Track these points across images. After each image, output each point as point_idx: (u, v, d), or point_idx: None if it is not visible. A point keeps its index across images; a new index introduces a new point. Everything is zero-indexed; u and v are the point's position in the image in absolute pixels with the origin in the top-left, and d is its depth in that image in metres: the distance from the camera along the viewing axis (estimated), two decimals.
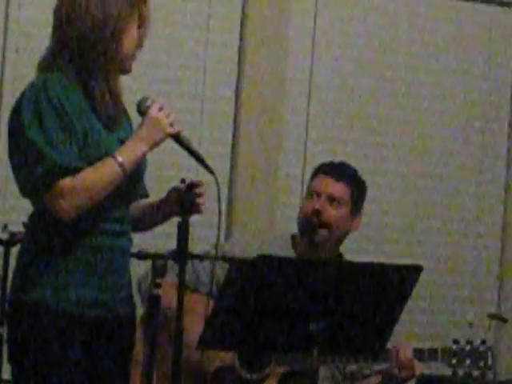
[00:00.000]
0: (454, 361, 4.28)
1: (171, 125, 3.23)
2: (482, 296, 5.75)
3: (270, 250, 4.08)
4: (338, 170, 4.51)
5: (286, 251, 4.38)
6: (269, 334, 3.64)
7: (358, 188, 4.48)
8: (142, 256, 3.58)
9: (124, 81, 3.41)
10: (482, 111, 5.70)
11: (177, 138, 3.31)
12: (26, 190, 3.25)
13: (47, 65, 3.24)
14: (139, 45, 3.30)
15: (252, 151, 5.23)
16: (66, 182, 3.19)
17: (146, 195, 3.52)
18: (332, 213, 4.40)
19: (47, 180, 3.19)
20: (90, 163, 3.19)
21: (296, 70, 5.53)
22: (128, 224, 3.47)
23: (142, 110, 3.29)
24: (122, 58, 3.27)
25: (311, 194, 4.43)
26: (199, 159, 3.31)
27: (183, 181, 3.33)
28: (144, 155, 3.28)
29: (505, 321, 4.80)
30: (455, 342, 4.27)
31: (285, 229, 4.74)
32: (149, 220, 3.61)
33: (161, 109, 3.29)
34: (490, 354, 4.23)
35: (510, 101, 5.60)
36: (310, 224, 4.37)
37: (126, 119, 3.41)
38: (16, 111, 3.23)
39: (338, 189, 4.43)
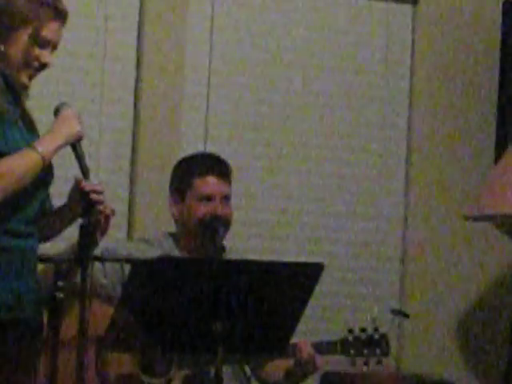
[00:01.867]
0: (352, 351, 4.29)
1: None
2: (384, 292, 5.69)
3: (159, 251, 4.21)
4: (222, 169, 4.49)
5: (170, 250, 4.35)
6: (171, 336, 3.65)
7: (230, 178, 4.50)
8: (44, 259, 3.60)
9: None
10: (380, 108, 5.67)
11: (78, 140, 3.42)
12: None
13: None
14: (36, 62, 3.41)
15: (152, 146, 5.17)
16: None
17: (51, 210, 3.59)
18: (228, 211, 4.40)
19: None
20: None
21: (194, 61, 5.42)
22: (35, 226, 3.46)
23: (58, 112, 3.45)
24: (8, 64, 3.38)
25: (201, 197, 4.39)
26: (85, 173, 3.42)
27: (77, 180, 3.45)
28: (58, 150, 3.36)
29: (406, 316, 4.80)
30: (350, 331, 4.29)
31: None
32: (53, 226, 3.64)
33: (72, 112, 3.44)
34: (384, 340, 4.28)
35: (408, 99, 5.62)
36: (212, 227, 4.35)
37: (31, 126, 3.54)
38: None
39: (228, 187, 4.44)
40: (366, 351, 4.29)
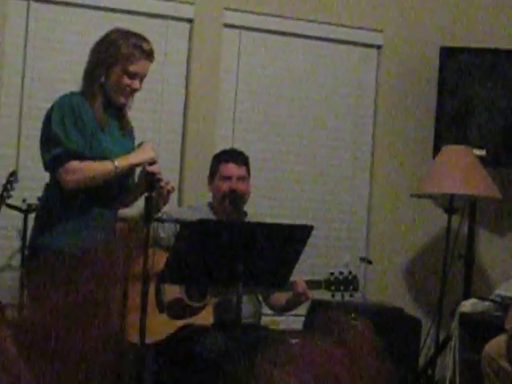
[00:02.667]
0: (332, 287, 4.25)
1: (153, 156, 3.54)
2: (354, 245, 5.55)
3: (199, 215, 4.05)
4: (239, 158, 4.42)
5: (207, 215, 4.26)
6: (207, 273, 3.69)
7: (248, 165, 4.40)
8: (122, 219, 3.76)
9: None
10: (349, 126, 5.39)
11: (150, 163, 3.54)
12: (47, 165, 3.45)
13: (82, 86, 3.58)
14: (127, 88, 3.53)
15: (196, 145, 5.09)
16: (74, 163, 3.35)
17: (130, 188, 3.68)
18: (243, 187, 4.32)
19: (61, 159, 3.36)
20: (92, 154, 3.44)
21: None
22: (116, 200, 3.65)
23: (140, 144, 3.64)
24: (109, 89, 3.53)
25: (223, 177, 4.32)
26: (151, 189, 3.52)
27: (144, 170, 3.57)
28: (133, 167, 3.56)
29: (370, 262, 4.76)
30: (331, 273, 4.27)
31: None
32: (131, 198, 3.72)
33: (150, 145, 3.61)
34: (356, 280, 4.25)
35: (373, 115, 5.42)
36: (230, 198, 4.29)
37: (125, 132, 3.70)
38: (48, 113, 3.45)
39: (243, 170, 4.34)
40: (342, 287, 4.27)
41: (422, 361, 5.03)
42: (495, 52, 5.27)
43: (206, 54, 5.08)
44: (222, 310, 4.06)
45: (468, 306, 4.80)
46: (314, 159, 5.37)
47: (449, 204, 5.04)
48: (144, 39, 3.56)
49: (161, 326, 4.02)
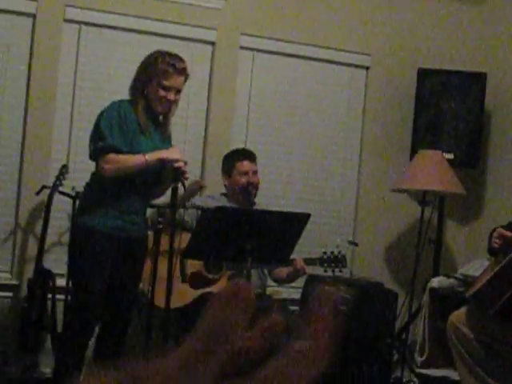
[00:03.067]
0: (325, 264, 4.33)
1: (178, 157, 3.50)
2: (343, 230, 5.49)
3: (217, 203, 4.09)
4: (251, 156, 4.46)
5: (224, 203, 4.30)
6: (223, 250, 3.71)
7: (256, 162, 4.47)
8: (152, 206, 3.85)
9: None
10: (341, 133, 5.27)
11: (174, 160, 3.49)
12: (91, 155, 3.49)
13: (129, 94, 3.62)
14: (163, 99, 3.50)
15: (215, 147, 5.10)
16: (112, 155, 3.38)
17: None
18: (256, 180, 4.37)
19: (102, 151, 3.40)
20: (130, 151, 3.43)
21: None
22: (150, 190, 3.66)
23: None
24: (150, 99, 3.53)
25: (241, 173, 4.34)
26: (176, 181, 3.50)
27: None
28: (161, 161, 3.48)
29: (356, 244, 4.79)
30: (324, 252, 4.34)
31: None
32: (160, 189, 3.74)
33: (177, 148, 3.69)
34: (344, 259, 4.33)
35: (361, 128, 5.44)
36: (247, 189, 4.33)
37: (165, 137, 3.66)
38: (100, 114, 3.50)
39: (255, 166, 4.40)
40: (333, 264, 4.32)
41: (397, 327, 4.97)
42: (461, 73, 5.26)
43: (225, 73, 5.07)
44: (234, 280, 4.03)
45: (436, 282, 4.80)
46: (313, 160, 5.35)
47: (422, 198, 5.04)
48: (179, 59, 3.57)
49: (183, 294, 4.06)
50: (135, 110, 3.50)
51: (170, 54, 3.58)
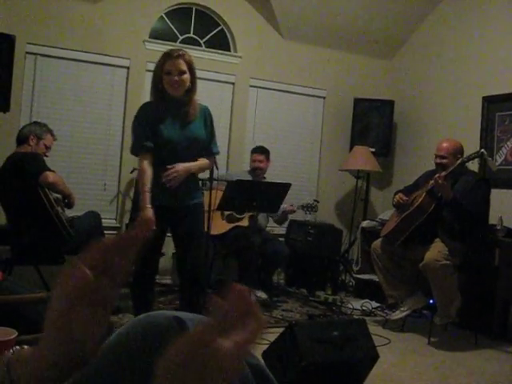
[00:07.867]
0: (305, 208, 4.05)
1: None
2: (311, 191, 5.22)
3: (239, 177, 3.89)
4: (261, 150, 4.32)
5: (247, 177, 4.16)
6: (243, 203, 3.57)
7: (266, 154, 4.28)
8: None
9: None
10: (308, 137, 5.01)
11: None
12: (131, 152, 2.75)
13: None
14: (172, 82, 2.63)
15: (236, 147, 4.93)
16: (141, 159, 2.64)
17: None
18: (264, 165, 4.28)
19: (132, 152, 2.72)
20: (155, 141, 2.66)
21: None
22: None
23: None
24: (165, 89, 2.67)
25: (253, 160, 4.27)
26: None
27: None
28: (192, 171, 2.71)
29: (318, 202, 4.57)
30: (306, 203, 4.09)
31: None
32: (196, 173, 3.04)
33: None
34: (316, 206, 4.11)
35: (320, 137, 5.12)
36: (256, 170, 4.22)
37: (193, 119, 2.73)
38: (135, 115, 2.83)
39: (263, 157, 4.28)
40: (310, 209, 4.07)
41: (342, 250, 4.90)
42: (379, 101, 5.15)
43: (240, 103, 4.91)
44: (251, 219, 3.94)
45: (365, 223, 4.78)
46: (293, 154, 5.13)
47: (357, 174, 5.06)
48: (175, 50, 2.71)
49: (221, 226, 4.04)
50: (156, 105, 2.70)
51: (170, 49, 2.80)
